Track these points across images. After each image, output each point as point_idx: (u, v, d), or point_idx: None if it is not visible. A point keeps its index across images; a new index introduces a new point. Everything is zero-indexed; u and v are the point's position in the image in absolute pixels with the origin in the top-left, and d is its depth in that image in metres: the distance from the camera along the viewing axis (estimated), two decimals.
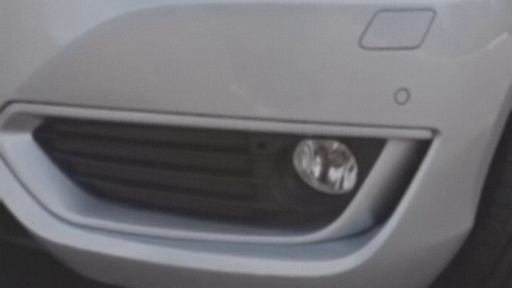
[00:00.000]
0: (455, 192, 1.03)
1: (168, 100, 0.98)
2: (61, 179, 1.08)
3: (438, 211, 1.03)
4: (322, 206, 1.05)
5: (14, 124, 1.05)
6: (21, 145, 1.07)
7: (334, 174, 1.05)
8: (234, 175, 1.04)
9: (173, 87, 0.97)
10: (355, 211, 1.02)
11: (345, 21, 0.94)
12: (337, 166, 1.05)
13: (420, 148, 0.99)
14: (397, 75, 0.94)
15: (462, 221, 1.06)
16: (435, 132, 0.97)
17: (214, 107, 0.97)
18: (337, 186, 1.05)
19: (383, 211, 1.04)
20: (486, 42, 0.97)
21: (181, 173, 1.05)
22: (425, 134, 0.97)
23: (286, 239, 1.04)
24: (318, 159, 1.05)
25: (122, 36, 0.96)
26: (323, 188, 1.06)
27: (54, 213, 1.06)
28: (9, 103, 1.03)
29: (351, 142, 1.01)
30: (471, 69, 0.97)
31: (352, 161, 1.03)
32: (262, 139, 1.01)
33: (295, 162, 1.05)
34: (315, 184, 1.06)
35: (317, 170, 1.05)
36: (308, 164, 1.05)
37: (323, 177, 1.06)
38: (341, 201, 1.04)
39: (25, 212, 1.06)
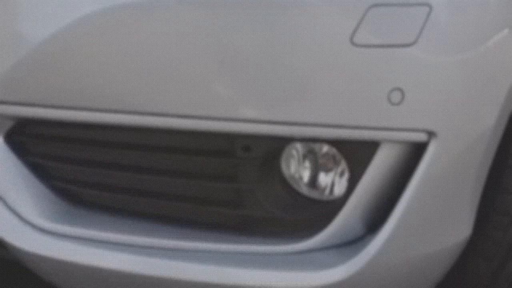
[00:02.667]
0: (452, 198, 1.01)
1: (147, 101, 0.95)
2: (34, 184, 1.06)
3: (435, 219, 1.01)
4: (312, 213, 1.03)
5: None
6: None
7: (324, 179, 1.03)
8: (218, 180, 1.02)
9: (152, 87, 0.94)
10: (347, 218, 1.00)
11: (335, 17, 0.92)
12: (327, 170, 1.02)
13: (415, 151, 0.97)
14: (391, 74, 0.92)
15: (460, 229, 1.04)
16: (431, 134, 0.95)
17: (196, 108, 0.95)
18: (327, 191, 1.03)
19: (376, 218, 1.02)
20: (485, 39, 0.95)
21: (161, 178, 1.03)
22: (421, 137, 0.95)
23: (273, 248, 1.03)
24: (307, 163, 1.03)
25: (96, 34, 0.93)
26: (313, 194, 1.04)
27: (27, 221, 1.04)
28: None
29: (342, 145, 0.99)
30: (469, 68, 0.95)
31: (343, 165, 1.01)
32: (247, 142, 0.99)
33: (283, 166, 1.03)
34: (304, 190, 1.04)
35: (306, 175, 1.03)
36: (297, 169, 1.03)
37: (313, 182, 1.03)
38: (331, 207, 1.02)
39: None
